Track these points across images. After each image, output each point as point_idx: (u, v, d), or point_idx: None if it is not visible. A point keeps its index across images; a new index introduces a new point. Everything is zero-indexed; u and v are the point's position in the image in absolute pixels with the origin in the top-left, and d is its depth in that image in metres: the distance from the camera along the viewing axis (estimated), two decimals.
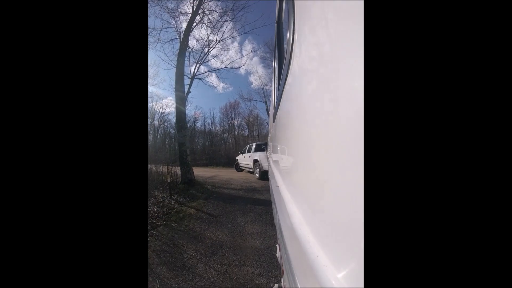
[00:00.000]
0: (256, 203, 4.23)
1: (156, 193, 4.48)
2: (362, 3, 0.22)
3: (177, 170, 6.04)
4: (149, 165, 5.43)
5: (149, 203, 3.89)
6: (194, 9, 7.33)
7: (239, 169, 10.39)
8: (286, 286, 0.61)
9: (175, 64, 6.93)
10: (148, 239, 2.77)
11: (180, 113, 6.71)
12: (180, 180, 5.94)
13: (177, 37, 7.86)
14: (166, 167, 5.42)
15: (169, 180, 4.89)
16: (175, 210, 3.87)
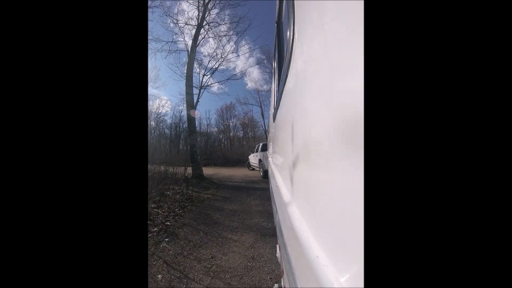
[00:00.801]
0: (256, 189, 5.65)
1: (174, 186, 5.33)
2: (362, 3, 0.22)
3: (185, 169, 6.87)
4: (161, 166, 6.19)
5: (170, 194, 4.68)
6: (199, 21, 8.19)
7: (250, 167, 10.37)
8: (286, 286, 0.61)
9: (185, 76, 8.05)
10: (182, 213, 3.65)
11: (191, 120, 7.92)
12: (191, 175, 6.89)
13: (186, 49, 9.02)
14: (174, 167, 6.43)
15: (186, 175, 6.14)
16: (194, 196, 4.88)
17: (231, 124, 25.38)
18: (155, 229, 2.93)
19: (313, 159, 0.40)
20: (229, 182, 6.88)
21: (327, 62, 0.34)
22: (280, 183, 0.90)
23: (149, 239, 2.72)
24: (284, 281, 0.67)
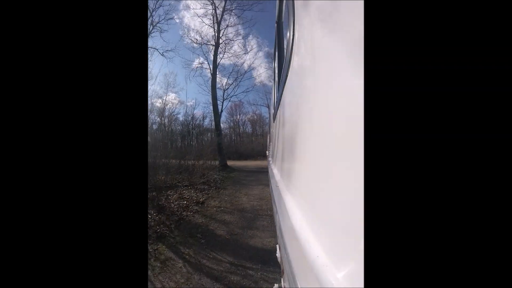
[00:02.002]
0: (264, 172, 8.65)
1: (210, 172, 8.07)
2: (362, 3, 0.22)
3: (219, 161, 10.36)
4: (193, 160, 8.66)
5: (208, 175, 7.47)
6: (216, 40, 11.01)
7: None
8: (286, 286, 0.61)
9: (210, 92, 11.74)
10: (222, 183, 6.68)
11: (218, 125, 11.61)
12: (219, 165, 9.88)
13: (208, 68, 12.23)
14: (204, 160, 9.17)
15: (216, 164, 9.53)
16: (226, 176, 8.15)
17: (240, 121, 26.77)
18: (212, 188, 5.83)
19: (313, 159, 0.40)
20: (245, 169, 10.54)
21: (327, 62, 0.34)
22: (280, 183, 0.90)
23: (212, 190, 5.60)
24: (284, 281, 0.67)
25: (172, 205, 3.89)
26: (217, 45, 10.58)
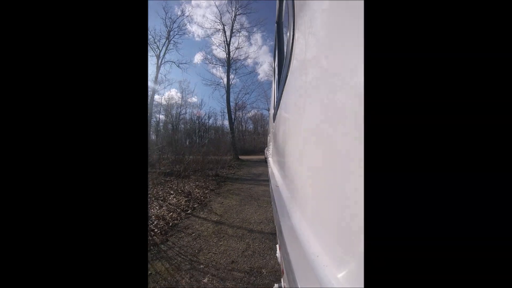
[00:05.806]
0: (263, 161, 12.76)
1: (229, 162, 11.51)
2: (362, 3, 0.22)
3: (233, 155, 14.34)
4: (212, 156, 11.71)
5: (230, 164, 11.04)
6: (227, 61, 12.65)
7: None
8: (286, 286, 0.61)
9: (225, 103, 15.82)
10: (239, 167, 11.30)
11: (231, 129, 14.96)
12: (233, 157, 13.49)
13: (224, 86, 15.91)
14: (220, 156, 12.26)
15: (231, 157, 12.67)
16: (240, 163, 12.56)
17: (242, 119, 29.25)
18: (236, 168, 10.43)
19: (312, 159, 0.40)
20: (251, 160, 14.86)
21: (327, 62, 0.34)
22: (280, 183, 0.90)
23: (235, 169, 10.27)
24: (284, 281, 0.67)
25: (220, 173, 8.28)
26: (228, 66, 12.28)
